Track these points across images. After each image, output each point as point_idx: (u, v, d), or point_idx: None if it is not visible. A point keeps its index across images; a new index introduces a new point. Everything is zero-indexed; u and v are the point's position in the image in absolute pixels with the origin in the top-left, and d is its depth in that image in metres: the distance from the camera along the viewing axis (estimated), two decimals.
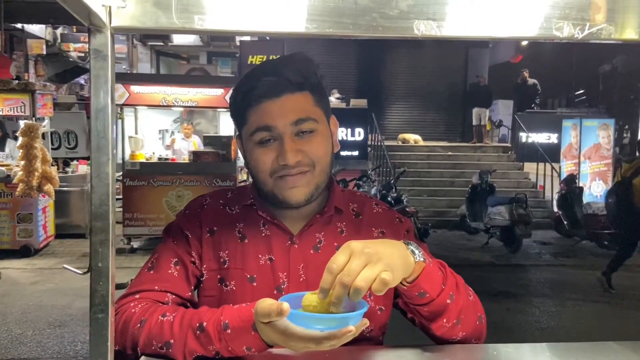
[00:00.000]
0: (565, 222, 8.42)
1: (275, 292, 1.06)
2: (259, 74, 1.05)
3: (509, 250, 7.82)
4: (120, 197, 7.77)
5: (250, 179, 1.20)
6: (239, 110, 1.09)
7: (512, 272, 6.97)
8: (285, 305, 0.77)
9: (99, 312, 0.65)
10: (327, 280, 0.77)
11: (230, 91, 1.14)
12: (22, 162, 5.85)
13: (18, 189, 5.82)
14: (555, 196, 9.33)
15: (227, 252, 1.09)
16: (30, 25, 10.84)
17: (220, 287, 1.08)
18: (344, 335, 0.78)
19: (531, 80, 13.19)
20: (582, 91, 19.80)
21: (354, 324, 0.77)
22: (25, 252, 6.78)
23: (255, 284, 1.06)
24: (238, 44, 10.98)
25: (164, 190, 7.15)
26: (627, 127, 14.39)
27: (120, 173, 7.49)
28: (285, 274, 1.07)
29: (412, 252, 0.90)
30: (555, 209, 9.06)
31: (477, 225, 8.60)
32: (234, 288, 1.06)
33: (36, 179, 5.77)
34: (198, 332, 0.91)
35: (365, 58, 13.50)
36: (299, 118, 1.03)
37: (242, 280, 1.06)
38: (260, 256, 1.08)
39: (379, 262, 0.79)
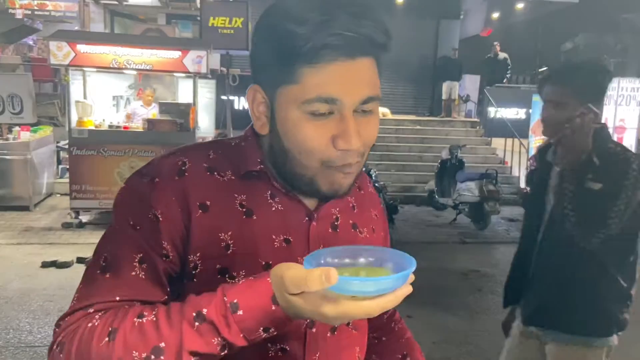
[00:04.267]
0: None
1: None
2: (330, 17, 0.73)
3: (477, 227, 7.68)
4: (67, 166, 7.22)
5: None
6: (283, 59, 0.76)
7: (481, 250, 6.81)
8: (334, 271, 0.61)
9: None
10: None
11: (263, 21, 0.79)
12: None
13: None
14: (524, 172, 9.22)
15: (230, 233, 0.82)
16: None
17: (222, 279, 0.81)
18: (401, 297, 0.66)
19: (502, 54, 13.01)
20: (545, 68, 19.96)
21: (403, 282, 0.65)
22: None
23: None
24: (199, 5, 10.30)
25: (115, 161, 6.62)
26: None
27: (67, 141, 6.92)
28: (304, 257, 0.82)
29: None
30: (523, 185, 8.95)
31: (445, 201, 8.42)
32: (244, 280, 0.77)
33: None
34: (197, 323, 0.70)
35: None
36: (370, 96, 0.78)
37: (256, 268, 0.81)
38: (274, 237, 0.85)
39: None
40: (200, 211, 0.81)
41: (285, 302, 0.67)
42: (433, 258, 6.06)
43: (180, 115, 6.93)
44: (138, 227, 0.79)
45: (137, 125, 6.99)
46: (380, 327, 1.12)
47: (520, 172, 9.92)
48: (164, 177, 0.82)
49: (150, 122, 6.79)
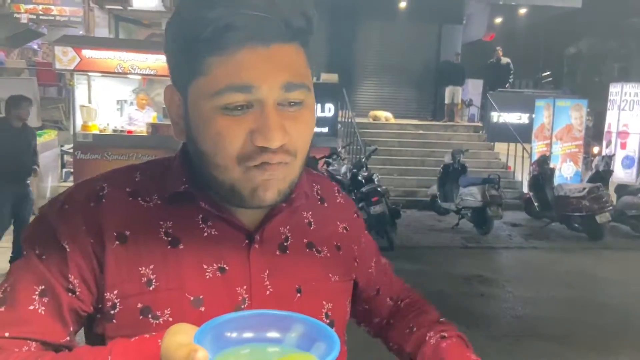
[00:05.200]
0: (535, 204, 8.32)
1: None
2: (237, 2, 0.66)
3: (480, 231, 7.68)
4: (72, 170, 7.26)
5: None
6: (191, 50, 0.68)
7: (483, 255, 6.81)
8: (201, 355, 0.49)
9: None
10: None
11: (174, 12, 0.71)
12: None
13: None
14: (527, 177, 9.24)
15: (151, 266, 0.72)
16: None
17: (145, 320, 0.71)
18: None
19: (504, 59, 13.03)
20: (548, 72, 19.99)
21: None
22: None
23: (203, 309, 0.72)
24: None
25: (119, 165, 6.55)
26: (588, 109, 14.51)
27: (72, 145, 6.97)
28: (245, 287, 0.75)
29: None
30: (526, 190, 8.96)
31: (448, 206, 8.42)
32: (171, 319, 0.70)
33: None
34: None
35: (337, 31, 13.03)
36: (291, 81, 0.68)
37: (183, 304, 0.71)
38: (205, 267, 0.73)
39: None
40: (117, 242, 0.71)
41: None
42: (435, 262, 6.06)
43: None
44: (44, 257, 0.71)
45: (141, 129, 7.04)
46: (392, 312, 1.00)
47: (522, 177, 9.93)
48: (75, 204, 0.73)
49: (153, 127, 6.84)
